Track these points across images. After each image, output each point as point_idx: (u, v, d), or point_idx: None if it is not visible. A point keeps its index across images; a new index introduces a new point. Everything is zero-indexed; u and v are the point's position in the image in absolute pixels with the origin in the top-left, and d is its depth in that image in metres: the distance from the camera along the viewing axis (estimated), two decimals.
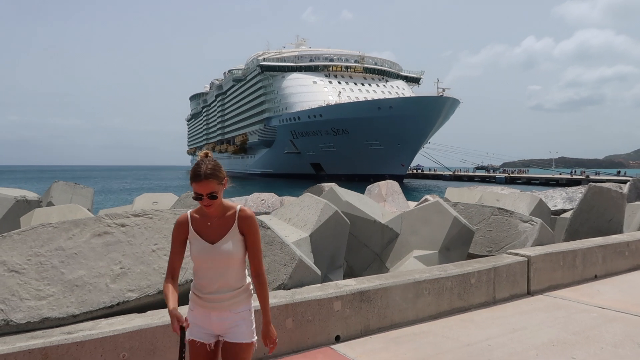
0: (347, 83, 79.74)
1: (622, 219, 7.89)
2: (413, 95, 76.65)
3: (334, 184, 8.10)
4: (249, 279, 2.44)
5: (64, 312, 3.20)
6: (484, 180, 74.37)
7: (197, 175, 2.24)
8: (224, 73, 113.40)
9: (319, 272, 4.47)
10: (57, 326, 3.15)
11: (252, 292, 2.46)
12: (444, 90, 67.53)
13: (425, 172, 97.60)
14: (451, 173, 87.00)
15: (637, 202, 9.73)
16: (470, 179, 78.83)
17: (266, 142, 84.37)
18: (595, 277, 6.25)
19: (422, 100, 64.28)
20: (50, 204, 6.48)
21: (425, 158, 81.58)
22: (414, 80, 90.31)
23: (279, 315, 3.76)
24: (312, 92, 75.63)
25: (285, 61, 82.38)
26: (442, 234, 6.06)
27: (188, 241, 2.35)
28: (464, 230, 6.17)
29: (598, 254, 6.36)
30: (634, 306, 4.93)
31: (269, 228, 4.53)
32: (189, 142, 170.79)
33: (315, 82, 78.01)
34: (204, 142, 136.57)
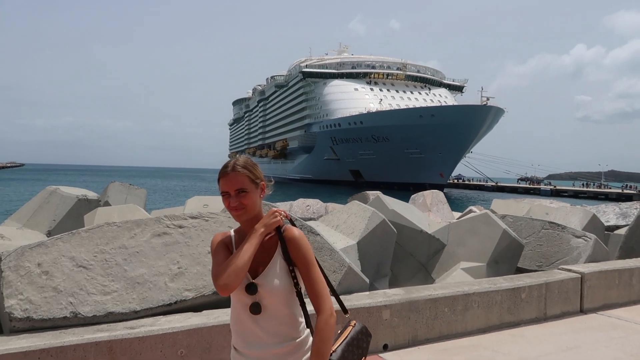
0: (388, 90, 79.42)
1: None
2: (456, 103, 75.54)
3: (379, 192, 8.10)
4: (307, 331, 1.88)
5: (127, 308, 3.35)
6: (527, 192, 72.30)
7: (224, 168, 1.85)
8: (267, 79, 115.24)
9: (367, 280, 4.49)
10: (119, 321, 3.30)
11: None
12: (488, 99, 66.16)
13: (466, 182, 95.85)
14: (494, 184, 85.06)
15: None
16: (513, 190, 76.78)
17: (306, 148, 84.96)
18: None
19: (465, 108, 63.24)
20: (107, 203, 6.78)
21: (467, 168, 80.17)
22: (457, 89, 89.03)
23: None
24: (353, 99, 75.73)
25: (327, 68, 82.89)
26: (490, 247, 5.95)
27: None
28: (513, 243, 6.04)
29: None
30: None
31: (318, 234, 4.58)
32: (230, 146, 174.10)
33: (356, 89, 78.09)
34: (245, 147, 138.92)
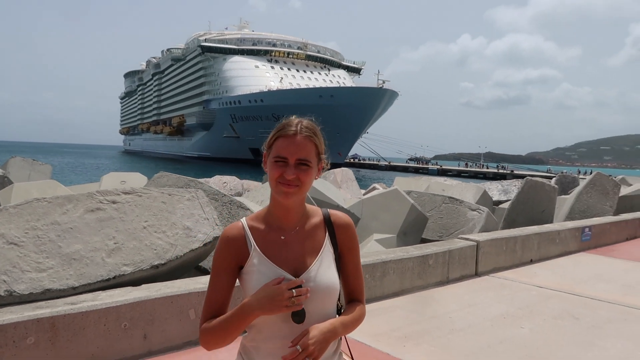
0: (289, 69, 79.72)
1: (554, 210, 8.77)
2: (354, 85, 77.96)
3: None
4: None
5: (64, 284, 3.29)
6: (417, 171, 77.28)
7: (287, 126, 1.43)
8: (162, 51, 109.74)
9: None
10: (57, 297, 3.23)
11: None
12: (383, 82, 69.21)
13: (361, 162, 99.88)
14: (387, 163, 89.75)
15: (563, 196, 10.75)
16: (405, 169, 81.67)
17: (204, 125, 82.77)
18: (531, 261, 6.95)
19: (363, 90, 65.65)
20: (7, 179, 6.26)
21: (363, 147, 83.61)
22: (355, 71, 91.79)
23: None
24: (253, 77, 75.00)
25: (227, 43, 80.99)
26: (400, 220, 6.53)
27: (242, 271, 1.45)
28: (419, 216, 6.67)
29: (534, 240, 7.08)
30: (567, 286, 5.63)
31: (248, 209, 4.76)
32: (122, 121, 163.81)
33: (257, 67, 77.38)
34: (138, 122, 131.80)
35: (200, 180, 5.34)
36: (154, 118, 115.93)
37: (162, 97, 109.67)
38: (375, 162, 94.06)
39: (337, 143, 67.69)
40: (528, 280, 5.90)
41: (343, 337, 1.58)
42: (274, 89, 70.11)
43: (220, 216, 4.62)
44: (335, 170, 10.28)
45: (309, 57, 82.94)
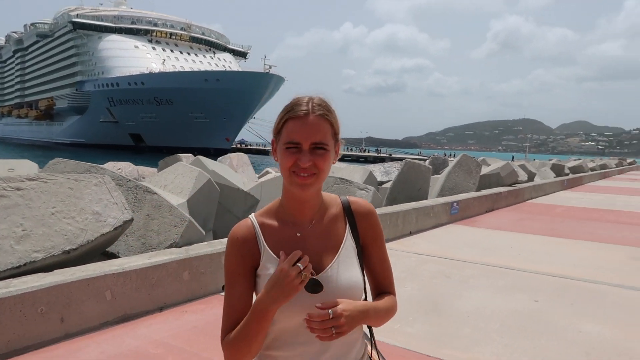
0: (172, 51, 76.44)
1: (428, 188, 9.89)
2: (240, 69, 77.09)
3: (190, 154, 8.46)
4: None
5: None
6: None
7: (297, 106, 1.23)
8: (25, 26, 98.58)
9: (204, 232, 5.02)
10: None
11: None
12: (270, 67, 69.33)
13: (248, 147, 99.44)
14: None
15: (436, 175, 12.08)
16: None
17: (78, 109, 76.46)
18: (411, 233, 7.89)
19: (249, 75, 65.26)
20: None
21: (249, 133, 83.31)
22: (241, 55, 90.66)
23: (178, 269, 4.26)
24: (133, 57, 70.74)
25: (102, 20, 75.18)
26: None
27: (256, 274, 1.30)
28: None
29: (413, 215, 8.02)
30: (440, 252, 6.57)
31: (155, 193, 4.90)
32: None
33: (137, 47, 73.03)
34: None
35: (101, 166, 5.32)
36: (17, 100, 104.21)
37: (27, 77, 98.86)
38: (262, 148, 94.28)
39: (224, 128, 66.78)
40: (409, 249, 6.75)
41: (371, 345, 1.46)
42: (156, 71, 66.89)
43: (126, 201, 4.71)
44: (231, 154, 10.50)
45: (193, 39, 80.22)
